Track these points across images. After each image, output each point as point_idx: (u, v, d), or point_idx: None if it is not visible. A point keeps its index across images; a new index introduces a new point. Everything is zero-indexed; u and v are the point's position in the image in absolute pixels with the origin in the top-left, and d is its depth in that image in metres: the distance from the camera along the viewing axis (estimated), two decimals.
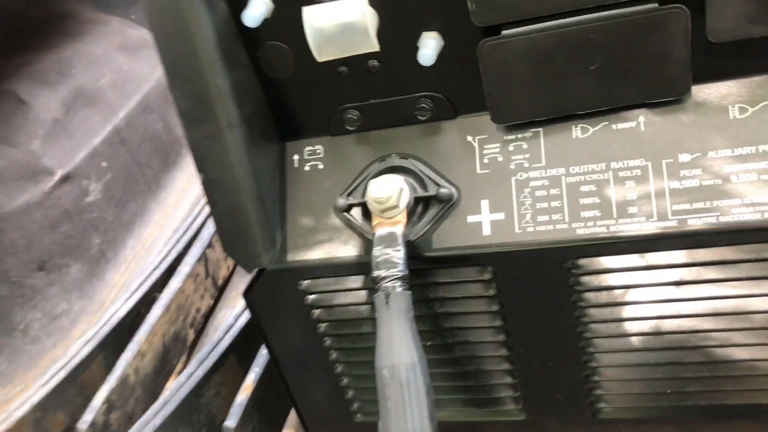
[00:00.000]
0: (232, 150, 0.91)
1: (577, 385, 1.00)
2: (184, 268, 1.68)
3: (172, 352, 1.59)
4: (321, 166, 0.97)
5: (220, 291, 1.87)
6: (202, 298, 1.76)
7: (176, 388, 1.30)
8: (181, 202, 2.14)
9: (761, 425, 1.01)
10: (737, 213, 0.81)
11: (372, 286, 0.88)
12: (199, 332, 1.75)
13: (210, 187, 0.93)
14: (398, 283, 0.86)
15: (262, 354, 1.34)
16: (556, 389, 1.02)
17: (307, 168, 0.98)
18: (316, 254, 0.96)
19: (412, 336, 0.85)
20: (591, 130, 0.88)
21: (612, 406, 1.02)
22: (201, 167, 0.92)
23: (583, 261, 0.89)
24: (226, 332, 1.42)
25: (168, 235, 1.95)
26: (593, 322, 0.94)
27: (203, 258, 1.77)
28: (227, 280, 1.92)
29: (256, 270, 0.99)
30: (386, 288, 0.86)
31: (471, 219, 0.90)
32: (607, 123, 0.87)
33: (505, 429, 1.08)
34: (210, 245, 1.80)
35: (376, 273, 0.87)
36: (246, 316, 1.46)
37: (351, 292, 0.99)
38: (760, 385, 0.94)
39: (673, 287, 0.88)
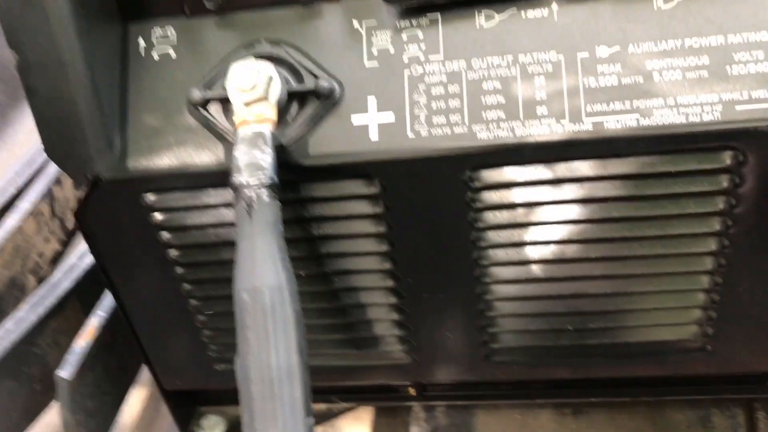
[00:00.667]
0: (56, 22, 0.71)
1: (471, 322, 0.88)
2: (24, 205, 1.44)
3: (5, 300, 1.35)
4: (173, 54, 0.79)
5: (70, 236, 1.64)
6: (46, 241, 1.52)
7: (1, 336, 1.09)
8: (32, 141, 1.87)
9: (658, 365, 0.92)
10: (660, 115, 0.70)
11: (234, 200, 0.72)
12: (43, 280, 1.52)
13: (27, 71, 0.74)
14: (264, 192, 0.70)
15: (110, 297, 1.14)
16: (446, 327, 0.89)
17: (155, 55, 0.80)
18: (164, 161, 0.78)
19: (280, 254, 0.70)
20: (497, 18, 0.74)
21: (507, 346, 0.91)
22: (14, 43, 0.72)
23: (483, 173, 0.76)
24: (68, 273, 1.21)
25: (10, 176, 1.69)
26: (491, 247, 0.81)
27: (49, 195, 1.53)
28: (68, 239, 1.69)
29: (88, 181, 0.80)
30: (249, 197, 0.70)
31: (356, 120, 0.75)
32: (515, 10, 0.74)
33: (389, 373, 0.95)
34: (58, 182, 1.57)
35: (237, 179, 0.70)
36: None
37: (208, 209, 0.82)
38: (661, 320, 0.86)
39: (581, 206, 0.77)
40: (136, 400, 1.29)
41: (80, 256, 1.25)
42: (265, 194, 0.70)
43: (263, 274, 0.68)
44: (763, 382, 1.01)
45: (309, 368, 0.70)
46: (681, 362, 0.90)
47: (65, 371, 1.00)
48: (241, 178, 0.70)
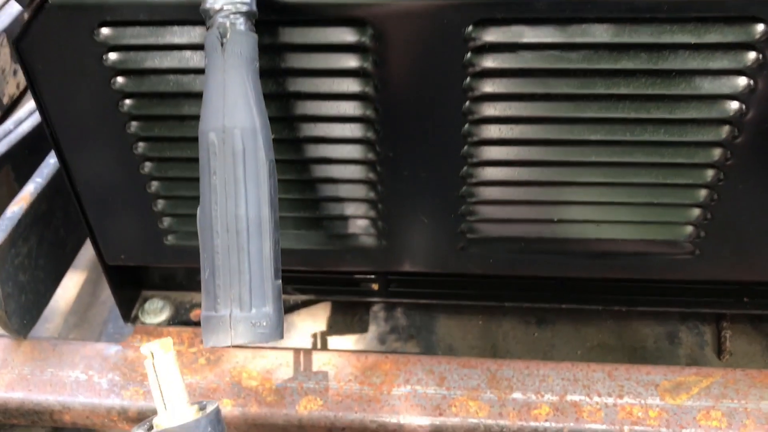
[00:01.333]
0: None
1: (450, 207, 0.81)
2: None
3: None
4: None
5: (7, 112, 1.51)
6: None
7: None
8: None
9: (642, 269, 0.88)
10: None
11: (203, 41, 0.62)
12: None
13: None
14: (240, 20, 0.60)
15: (49, 164, 1.03)
16: (423, 211, 0.82)
17: None
18: None
19: (255, 94, 0.61)
20: None
21: (485, 236, 0.84)
22: None
23: (486, 30, 0.68)
24: (1, 138, 1.09)
25: None
26: (484, 122, 0.74)
27: None
28: (16, 100, 1.55)
29: (32, 4, 0.68)
30: (222, 24, 0.60)
31: None
32: None
33: (356, 260, 0.88)
34: None
35: (209, 3, 0.61)
36: (32, 122, 1.13)
37: (171, 51, 0.72)
38: (657, 217, 0.81)
39: (586, 79, 0.70)
40: (73, 284, 1.20)
41: (17, 122, 1.13)
42: (241, 22, 0.60)
43: (235, 114, 0.59)
44: (738, 298, 0.98)
45: (279, 228, 0.62)
46: (666, 266, 0.85)
47: None
48: (214, 2, 0.60)
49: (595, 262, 0.87)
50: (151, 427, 0.61)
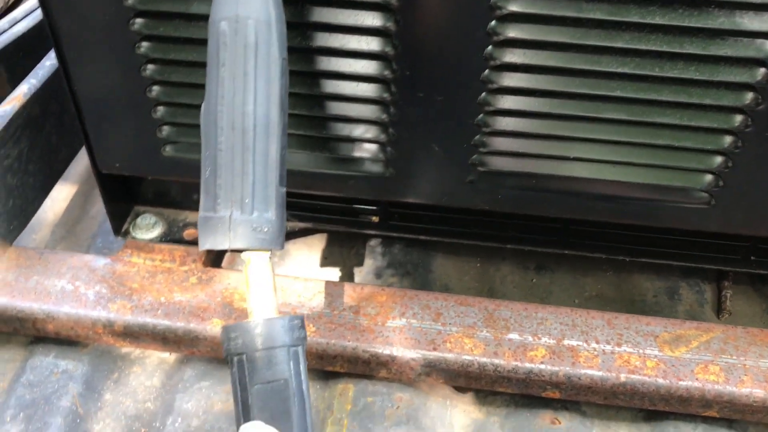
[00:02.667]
0: None
1: (463, 136, 0.78)
2: None
3: None
4: None
5: (3, 15, 1.45)
6: None
7: None
8: None
9: (655, 216, 0.85)
10: None
11: None
12: None
13: None
14: None
15: (45, 66, 0.99)
16: (435, 138, 0.79)
17: None
18: None
19: None
20: None
21: (496, 170, 0.81)
22: None
23: None
24: None
25: None
26: (509, 44, 0.70)
27: None
28: (15, 3, 1.50)
29: None
30: None
31: None
32: None
33: (361, 187, 0.85)
34: None
35: None
36: (28, 23, 1.08)
37: None
38: (678, 161, 0.78)
39: (619, 7, 0.67)
40: (63, 196, 1.16)
41: (12, 22, 1.08)
42: None
43: (250, 3, 0.55)
44: (745, 256, 0.96)
45: (292, 131, 0.59)
46: (678, 216, 0.83)
47: None
48: None
49: (605, 206, 0.84)
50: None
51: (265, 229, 0.55)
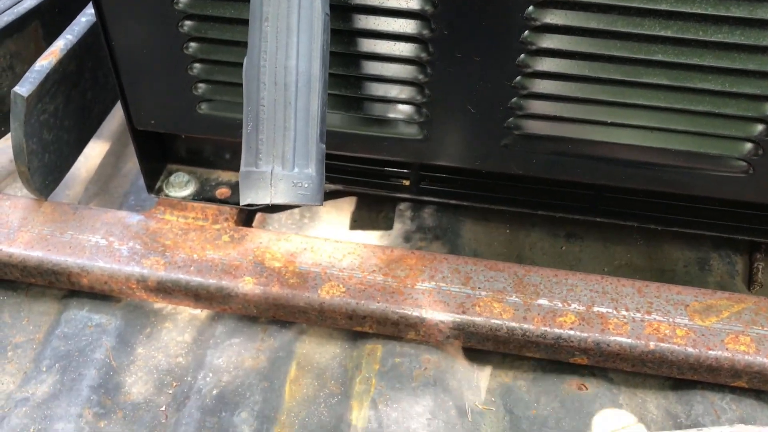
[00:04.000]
0: None
1: (499, 98, 0.77)
2: None
3: None
4: None
5: None
6: None
7: None
8: None
9: (691, 184, 0.85)
10: None
11: None
12: None
13: None
14: None
15: (81, 22, 0.99)
16: (471, 100, 0.79)
17: None
18: None
19: None
20: None
21: (532, 133, 0.81)
22: None
23: None
24: None
25: None
26: (548, 4, 0.69)
27: None
28: None
29: None
30: None
31: None
32: None
33: (394, 148, 0.85)
34: None
35: None
36: None
37: None
38: (717, 128, 0.77)
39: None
40: (96, 154, 1.18)
41: None
42: None
43: None
44: None
45: (328, 91, 0.58)
46: (715, 184, 0.82)
47: (23, 88, 0.87)
48: None
49: (640, 173, 0.83)
50: None
51: (306, 185, 0.55)
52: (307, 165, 0.55)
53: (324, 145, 0.58)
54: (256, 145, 0.55)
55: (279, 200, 0.55)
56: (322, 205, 0.57)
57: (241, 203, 0.55)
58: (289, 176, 0.55)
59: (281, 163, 0.55)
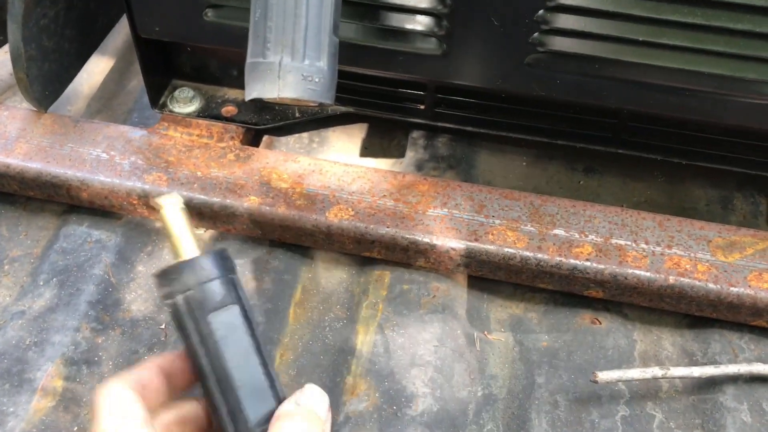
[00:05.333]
0: None
1: (526, 8, 0.73)
2: None
3: None
4: None
5: None
6: None
7: None
8: None
9: (719, 112, 0.80)
10: None
11: None
12: None
13: None
14: None
15: None
16: (495, 10, 0.74)
17: None
18: None
19: None
20: None
21: (557, 51, 0.76)
22: None
23: None
24: None
25: None
26: None
27: None
28: None
29: None
30: None
31: None
32: None
33: (412, 64, 0.80)
34: None
35: None
36: None
37: None
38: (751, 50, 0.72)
39: None
40: (99, 70, 1.13)
41: None
42: None
43: None
44: None
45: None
46: (749, 112, 0.78)
47: None
48: None
49: (670, 98, 0.79)
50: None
51: (317, 79, 0.51)
52: (318, 57, 0.51)
53: (337, 39, 0.54)
54: (264, 33, 0.51)
55: (287, 94, 0.51)
56: (333, 103, 0.53)
57: (247, 97, 0.51)
58: (299, 68, 0.51)
59: (291, 54, 0.51)
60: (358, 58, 0.81)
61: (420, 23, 0.76)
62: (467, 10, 0.74)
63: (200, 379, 0.50)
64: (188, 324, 0.49)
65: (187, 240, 0.51)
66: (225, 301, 0.50)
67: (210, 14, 0.81)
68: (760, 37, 0.71)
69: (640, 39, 0.73)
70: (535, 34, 0.75)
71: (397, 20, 0.76)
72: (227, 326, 0.49)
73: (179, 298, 0.49)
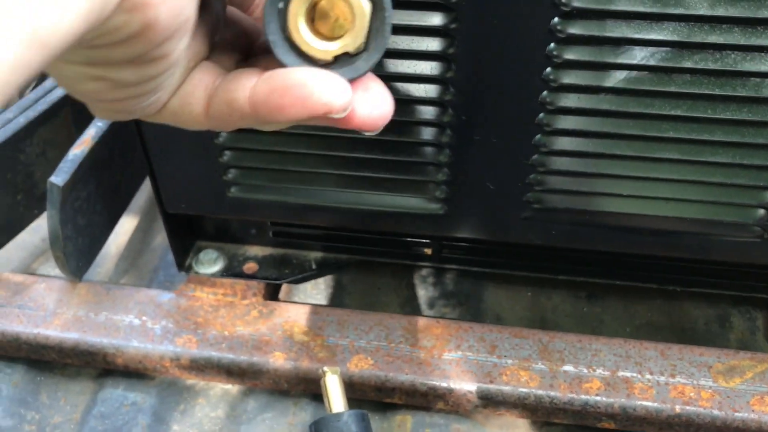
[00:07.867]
0: None
1: (518, 175, 0.80)
2: None
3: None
4: None
5: None
6: None
7: None
8: None
9: (706, 249, 0.87)
10: None
11: None
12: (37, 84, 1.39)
13: None
14: None
15: None
16: (490, 178, 0.82)
17: None
18: None
19: None
20: None
21: (551, 207, 0.83)
22: None
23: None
24: None
25: None
26: (564, 89, 0.73)
27: None
28: None
29: None
30: None
31: None
32: None
33: (415, 223, 0.88)
34: None
35: None
36: None
37: None
38: (726, 197, 0.79)
39: (673, 53, 0.69)
40: (125, 230, 1.21)
41: None
42: None
43: None
44: None
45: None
46: (731, 249, 0.84)
47: (59, 177, 0.91)
48: None
49: (658, 240, 0.85)
50: None
51: None
52: None
53: None
54: None
55: None
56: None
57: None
58: None
59: None
60: (365, 221, 0.89)
61: (423, 190, 0.84)
62: (465, 178, 0.81)
63: None
64: None
65: (337, 399, 0.74)
66: None
67: (233, 190, 0.89)
68: (733, 186, 0.78)
69: (624, 193, 0.80)
70: (529, 194, 0.82)
71: (402, 187, 0.84)
72: None
73: None
